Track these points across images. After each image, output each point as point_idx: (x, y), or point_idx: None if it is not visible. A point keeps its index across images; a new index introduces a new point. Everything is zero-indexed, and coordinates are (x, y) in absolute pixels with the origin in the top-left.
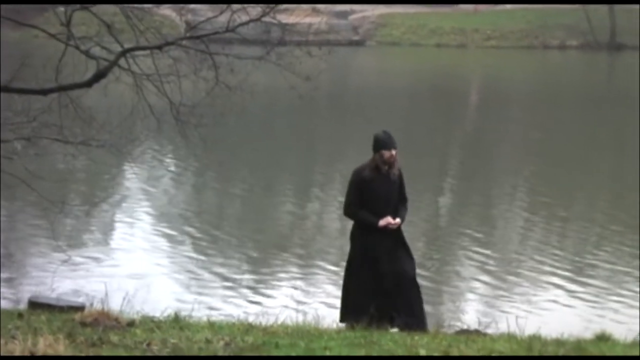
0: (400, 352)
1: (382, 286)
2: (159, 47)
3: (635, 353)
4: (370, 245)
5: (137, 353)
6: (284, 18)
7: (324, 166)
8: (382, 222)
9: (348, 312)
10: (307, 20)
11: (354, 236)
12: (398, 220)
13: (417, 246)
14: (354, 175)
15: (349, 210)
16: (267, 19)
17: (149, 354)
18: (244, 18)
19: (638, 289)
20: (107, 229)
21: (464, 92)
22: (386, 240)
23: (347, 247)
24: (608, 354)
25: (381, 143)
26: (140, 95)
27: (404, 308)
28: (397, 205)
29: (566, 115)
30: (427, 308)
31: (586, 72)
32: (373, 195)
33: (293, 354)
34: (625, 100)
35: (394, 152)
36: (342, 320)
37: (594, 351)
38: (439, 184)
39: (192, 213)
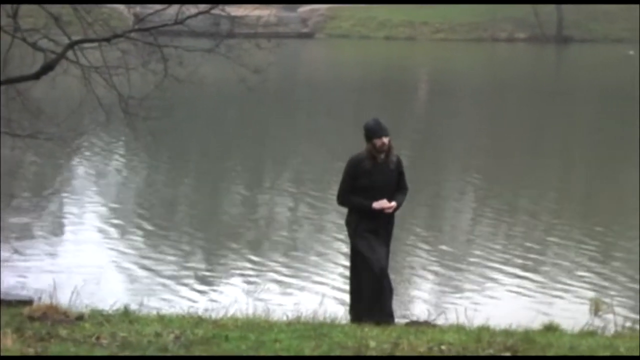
0: (350, 344)
1: (373, 274)
2: (107, 40)
3: (582, 343)
4: (365, 232)
5: (86, 347)
6: (233, 10)
7: (273, 158)
8: (377, 205)
9: (361, 308)
10: (256, 12)
11: (350, 223)
12: (393, 203)
13: None
14: (349, 164)
15: (342, 198)
16: (215, 11)
17: (97, 348)
18: (193, 10)
19: (584, 280)
20: (56, 222)
21: (412, 85)
22: (380, 228)
23: (297, 238)
24: (555, 344)
25: (371, 132)
26: (88, 88)
27: (384, 303)
28: (394, 194)
29: (514, 108)
30: None
31: (534, 65)
32: (370, 185)
33: (243, 346)
34: (573, 92)
35: (385, 139)
36: (355, 319)
37: (541, 341)
38: None
39: (141, 206)
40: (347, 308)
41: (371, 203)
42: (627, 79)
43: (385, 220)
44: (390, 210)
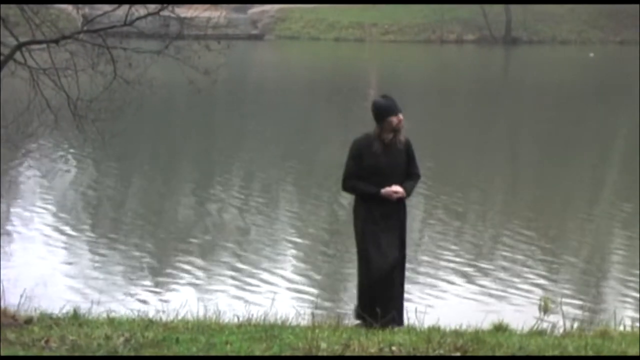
0: (301, 345)
1: (379, 272)
2: (56, 41)
3: (531, 342)
4: (373, 221)
5: (34, 350)
6: (183, 12)
7: (223, 161)
8: (385, 191)
9: (366, 306)
10: (206, 14)
11: (358, 213)
12: (402, 189)
13: (317, 241)
14: (353, 146)
15: (347, 183)
16: (165, 12)
17: (47, 351)
18: (142, 11)
19: (533, 281)
20: (4, 225)
21: (362, 87)
22: (391, 216)
23: (247, 240)
24: (505, 344)
25: (385, 110)
26: (36, 90)
27: (394, 301)
28: (403, 180)
29: (463, 109)
30: (326, 302)
31: (482, 66)
32: (377, 168)
33: (194, 349)
34: (521, 93)
35: (401, 116)
36: (359, 316)
37: (491, 341)
38: (338, 178)
39: (91, 208)
40: (354, 307)
41: (379, 189)
42: (582, 80)
43: (396, 208)
44: (399, 196)
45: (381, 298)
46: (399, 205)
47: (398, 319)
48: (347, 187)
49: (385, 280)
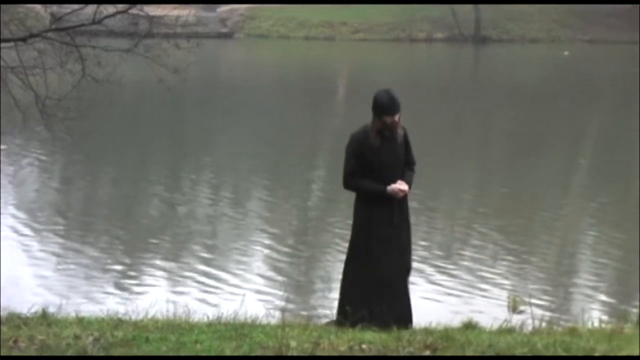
0: (271, 344)
1: (384, 274)
2: (24, 40)
3: (500, 340)
4: (376, 221)
5: (3, 351)
6: (151, 10)
7: (192, 160)
8: (391, 189)
9: (346, 307)
10: (175, 12)
11: (357, 212)
12: (406, 186)
13: (286, 241)
14: (352, 141)
15: (349, 181)
16: (134, 11)
17: (15, 351)
18: (111, 10)
19: (503, 278)
20: None
21: (332, 85)
22: (395, 215)
23: (217, 239)
24: (474, 341)
25: (382, 108)
26: (4, 89)
27: (399, 300)
28: (403, 171)
29: (433, 107)
30: (297, 300)
31: (452, 65)
32: (377, 164)
33: (163, 348)
34: (490, 92)
35: (396, 117)
36: (339, 318)
37: (461, 339)
38: (307, 178)
39: (59, 207)
40: (334, 311)
41: (384, 187)
42: (555, 79)
43: (401, 205)
44: (405, 194)
45: (389, 297)
46: (403, 201)
47: (404, 318)
48: (349, 185)
49: (393, 281)
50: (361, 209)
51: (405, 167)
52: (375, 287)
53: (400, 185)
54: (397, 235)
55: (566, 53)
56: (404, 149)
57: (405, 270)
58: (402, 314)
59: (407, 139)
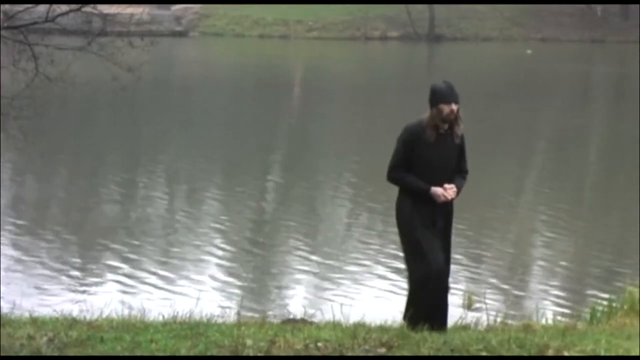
0: (227, 343)
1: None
2: None
3: (455, 337)
4: (419, 221)
5: None
6: (105, 8)
7: (147, 159)
8: (437, 190)
9: (420, 310)
10: (129, 10)
11: (402, 208)
12: (455, 190)
13: (242, 240)
14: (405, 132)
15: (394, 174)
16: (87, 9)
17: None
18: (64, 8)
19: (457, 275)
20: None
21: (287, 84)
22: (438, 217)
23: (172, 237)
24: (430, 338)
25: (439, 95)
26: None
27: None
28: (453, 175)
29: (388, 105)
30: (252, 298)
31: (406, 63)
32: (427, 160)
33: (118, 347)
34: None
35: (454, 106)
36: (412, 323)
37: (416, 336)
38: (265, 176)
39: (13, 206)
40: (403, 312)
41: (429, 186)
42: (515, 76)
43: (445, 209)
44: (451, 198)
45: (439, 298)
46: (449, 205)
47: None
48: (392, 177)
49: (446, 276)
50: (403, 206)
51: (456, 173)
52: (438, 283)
53: (446, 191)
54: (439, 238)
55: (529, 52)
56: (458, 153)
57: (447, 276)
58: (443, 322)
59: (463, 144)
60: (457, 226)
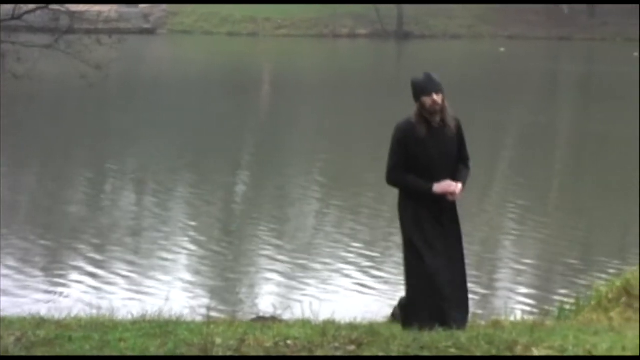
0: (196, 341)
1: (439, 276)
2: None
3: (425, 334)
4: (424, 221)
5: None
6: (73, 6)
7: (115, 157)
8: (439, 188)
9: (417, 312)
10: (96, 8)
11: (403, 210)
12: (459, 185)
13: (211, 238)
14: (397, 131)
15: (393, 176)
16: (54, 6)
17: None
18: (31, 5)
19: None
20: None
21: (256, 81)
22: (443, 214)
23: (141, 236)
24: (399, 335)
25: (418, 88)
26: None
27: (459, 302)
28: (456, 168)
29: (357, 102)
30: (221, 298)
31: (375, 60)
32: (425, 157)
33: (87, 346)
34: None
35: (435, 96)
36: (406, 324)
37: (385, 333)
38: (233, 174)
39: None
40: (395, 306)
41: (431, 185)
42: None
43: (449, 205)
44: (456, 196)
45: (442, 295)
46: (452, 203)
47: (461, 320)
48: (392, 180)
49: (445, 277)
50: (405, 208)
51: (459, 163)
52: (440, 287)
53: (450, 187)
54: (446, 235)
55: (502, 50)
56: (457, 142)
57: (459, 273)
58: (463, 316)
59: (460, 131)
60: None
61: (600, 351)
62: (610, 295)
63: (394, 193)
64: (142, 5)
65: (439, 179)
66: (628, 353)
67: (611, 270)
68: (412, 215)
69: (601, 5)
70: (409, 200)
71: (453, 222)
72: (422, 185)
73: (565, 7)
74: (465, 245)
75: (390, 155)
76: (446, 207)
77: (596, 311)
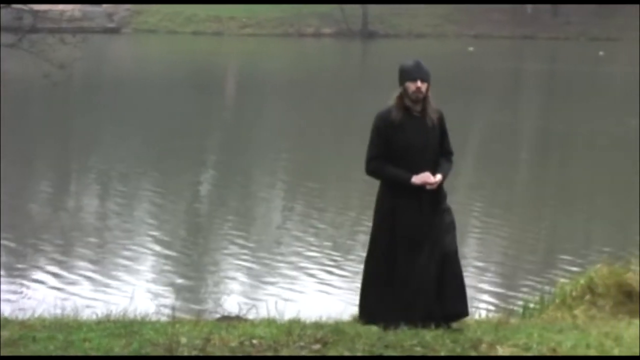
0: (161, 341)
1: (418, 271)
2: None
3: (390, 332)
4: (401, 211)
5: None
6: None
7: (79, 156)
8: (418, 179)
9: (368, 308)
10: (60, 7)
11: (380, 201)
12: (439, 177)
13: (175, 238)
14: (377, 120)
15: (372, 165)
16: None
17: None
18: None
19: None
20: None
21: (220, 81)
22: (424, 204)
23: (105, 235)
24: (364, 334)
25: (404, 73)
26: None
27: (452, 293)
28: (437, 160)
29: (322, 101)
30: (186, 297)
31: (340, 59)
32: (404, 145)
33: (51, 347)
34: (377, 85)
35: (420, 84)
36: (361, 318)
37: (351, 332)
38: (198, 173)
39: None
40: (357, 307)
41: (410, 176)
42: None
43: (432, 195)
44: (434, 186)
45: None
46: (435, 191)
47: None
48: (370, 170)
49: (413, 286)
50: (383, 198)
51: (440, 156)
52: (400, 289)
53: (429, 179)
54: (428, 224)
55: (470, 49)
56: (439, 134)
57: (447, 259)
58: (453, 306)
59: (442, 123)
60: None
61: (565, 349)
62: (574, 294)
63: (359, 191)
64: (106, 4)
65: (418, 170)
66: (592, 350)
67: (575, 269)
68: (389, 209)
69: (564, 5)
70: (388, 193)
71: (439, 213)
72: (401, 175)
73: (528, 7)
74: None
75: (369, 144)
76: (429, 197)
77: (560, 309)
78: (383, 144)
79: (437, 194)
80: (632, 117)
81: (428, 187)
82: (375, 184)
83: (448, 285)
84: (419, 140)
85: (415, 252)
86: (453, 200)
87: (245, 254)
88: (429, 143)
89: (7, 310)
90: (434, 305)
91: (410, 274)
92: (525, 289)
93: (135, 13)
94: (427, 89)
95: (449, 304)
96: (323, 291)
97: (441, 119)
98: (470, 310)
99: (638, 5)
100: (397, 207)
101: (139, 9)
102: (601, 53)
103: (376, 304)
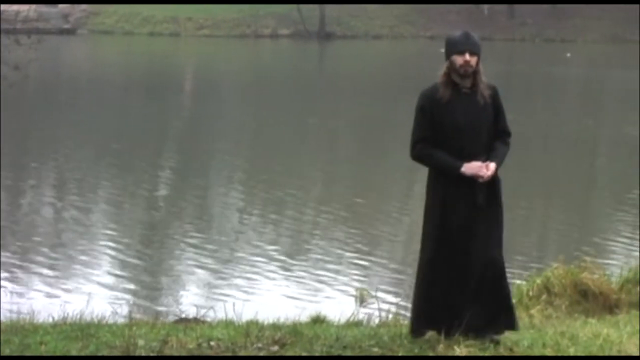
0: (118, 343)
1: (468, 273)
2: None
3: (348, 333)
4: (452, 202)
5: None
6: None
7: (35, 159)
8: (468, 169)
9: (425, 317)
10: (15, 7)
11: (430, 192)
12: (492, 166)
13: (132, 239)
14: (421, 99)
15: (417, 149)
16: None
17: None
18: None
19: (350, 272)
20: None
21: (177, 82)
22: (479, 191)
23: (61, 236)
24: (322, 335)
25: (451, 45)
26: None
27: (497, 306)
28: (490, 142)
29: (279, 102)
30: (144, 298)
31: (297, 60)
32: (452, 126)
33: (7, 350)
34: (334, 86)
35: (469, 57)
36: (415, 330)
37: (309, 333)
38: (155, 175)
39: None
40: (409, 316)
41: (460, 164)
42: (405, 74)
43: (484, 186)
44: (488, 178)
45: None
46: (493, 180)
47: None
48: (416, 155)
49: (486, 271)
50: (434, 187)
51: (495, 138)
52: (459, 288)
53: (481, 170)
54: (483, 220)
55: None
56: (492, 112)
57: (495, 265)
58: (497, 318)
59: (497, 100)
60: (350, 222)
61: (521, 348)
62: (530, 293)
63: (317, 192)
64: (61, 5)
65: (469, 154)
66: (548, 350)
67: (530, 270)
68: (440, 199)
69: (520, 6)
70: (438, 180)
71: (492, 205)
72: (450, 162)
73: (485, 8)
74: (389, 242)
75: (414, 127)
76: (483, 187)
77: (517, 309)
78: (429, 126)
79: (494, 183)
80: (589, 118)
81: (480, 178)
82: (334, 183)
83: (498, 299)
84: (470, 121)
85: (463, 253)
86: (414, 197)
87: (202, 256)
88: (480, 123)
89: None
90: (476, 315)
91: (456, 278)
92: None
93: (91, 14)
94: (477, 63)
95: (500, 318)
96: (281, 292)
97: (495, 96)
98: None
99: (594, 7)
100: (447, 197)
101: (95, 9)
102: (568, 55)
103: (435, 308)
